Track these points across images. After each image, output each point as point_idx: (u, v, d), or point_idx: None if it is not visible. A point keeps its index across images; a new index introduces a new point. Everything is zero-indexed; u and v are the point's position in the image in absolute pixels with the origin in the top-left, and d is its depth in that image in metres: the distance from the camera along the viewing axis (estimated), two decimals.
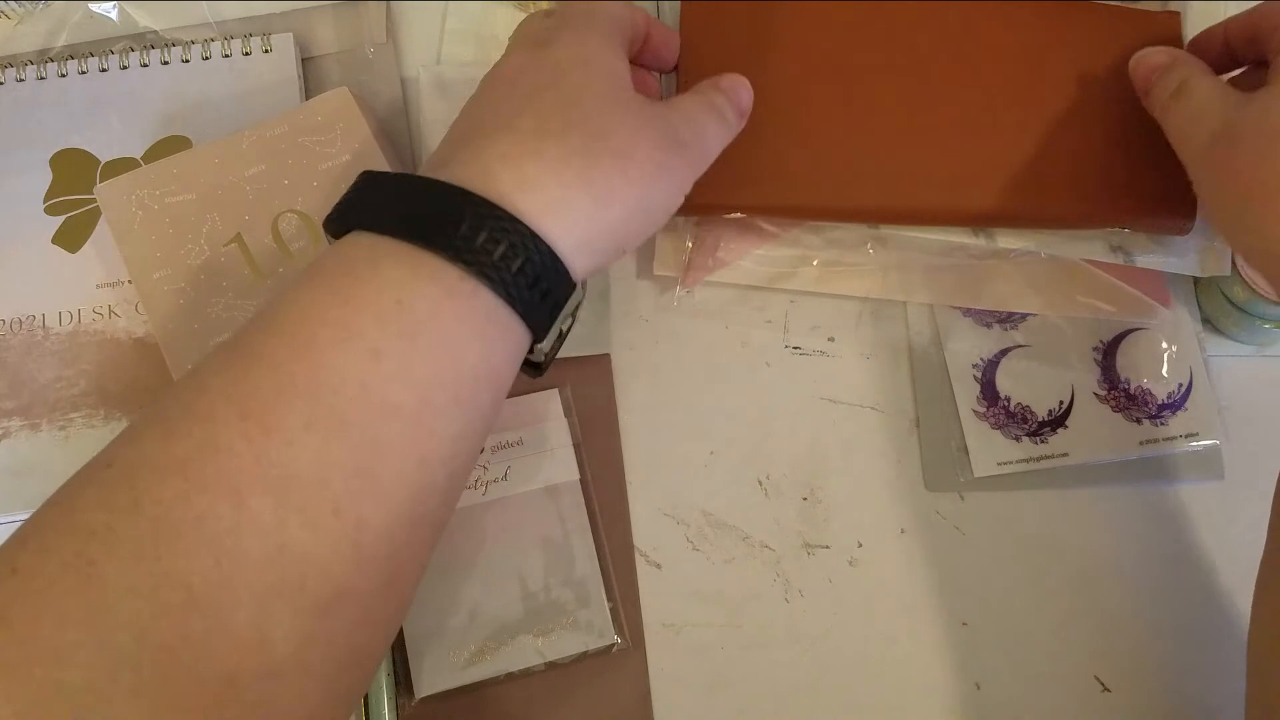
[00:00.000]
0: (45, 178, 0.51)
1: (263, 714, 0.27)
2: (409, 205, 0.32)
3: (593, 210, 0.33)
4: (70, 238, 0.50)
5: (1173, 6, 0.49)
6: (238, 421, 0.28)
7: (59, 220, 0.50)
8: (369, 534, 0.29)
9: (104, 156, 0.51)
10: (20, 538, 0.28)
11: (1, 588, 0.26)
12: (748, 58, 0.45)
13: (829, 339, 0.49)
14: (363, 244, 0.32)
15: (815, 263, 0.48)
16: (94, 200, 0.50)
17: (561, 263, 0.33)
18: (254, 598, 0.27)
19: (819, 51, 0.46)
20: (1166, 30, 0.45)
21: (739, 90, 0.41)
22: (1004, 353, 0.48)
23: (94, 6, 0.54)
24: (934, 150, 0.44)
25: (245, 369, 0.29)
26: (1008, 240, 0.45)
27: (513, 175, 0.32)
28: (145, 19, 0.54)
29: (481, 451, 0.37)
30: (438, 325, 0.30)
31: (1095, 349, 0.48)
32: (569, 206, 0.33)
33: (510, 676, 0.44)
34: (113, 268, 0.49)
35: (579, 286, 0.34)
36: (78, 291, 0.49)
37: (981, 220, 0.45)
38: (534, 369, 0.37)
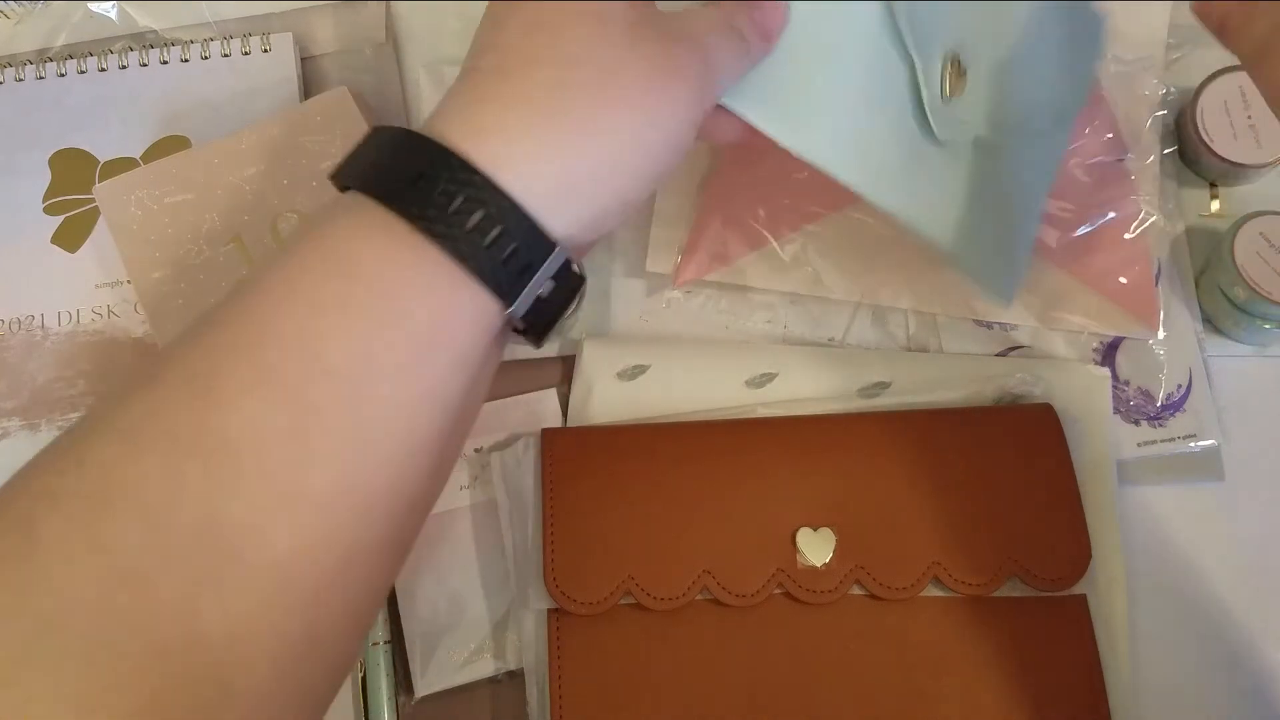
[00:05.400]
0: (44, 177, 0.51)
1: (193, 683, 0.26)
2: (380, 157, 0.31)
3: (566, 151, 0.30)
4: (69, 238, 0.50)
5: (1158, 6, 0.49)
6: (183, 385, 0.27)
7: (58, 220, 0.50)
8: (307, 504, 0.27)
9: (103, 156, 0.51)
10: None
11: None
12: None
13: (829, 339, 0.49)
14: (341, 200, 0.31)
15: (810, 268, 0.48)
16: (93, 200, 0.50)
17: (528, 217, 0.30)
18: (184, 567, 0.25)
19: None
20: (1042, 423, 0.44)
21: (767, 11, 0.35)
22: (1004, 353, 0.48)
23: (93, 6, 0.54)
24: None
25: (200, 331, 0.28)
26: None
27: (468, 123, 0.30)
28: (145, 19, 0.54)
29: (466, 435, 0.35)
30: (381, 280, 0.29)
31: (1095, 350, 0.47)
32: (534, 151, 0.30)
33: (510, 675, 0.44)
34: (112, 268, 0.49)
35: (557, 247, 0.31)
36: (77, 291, 0.49)
37: None
38: (532, 336, 0.33)
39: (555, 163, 0.30)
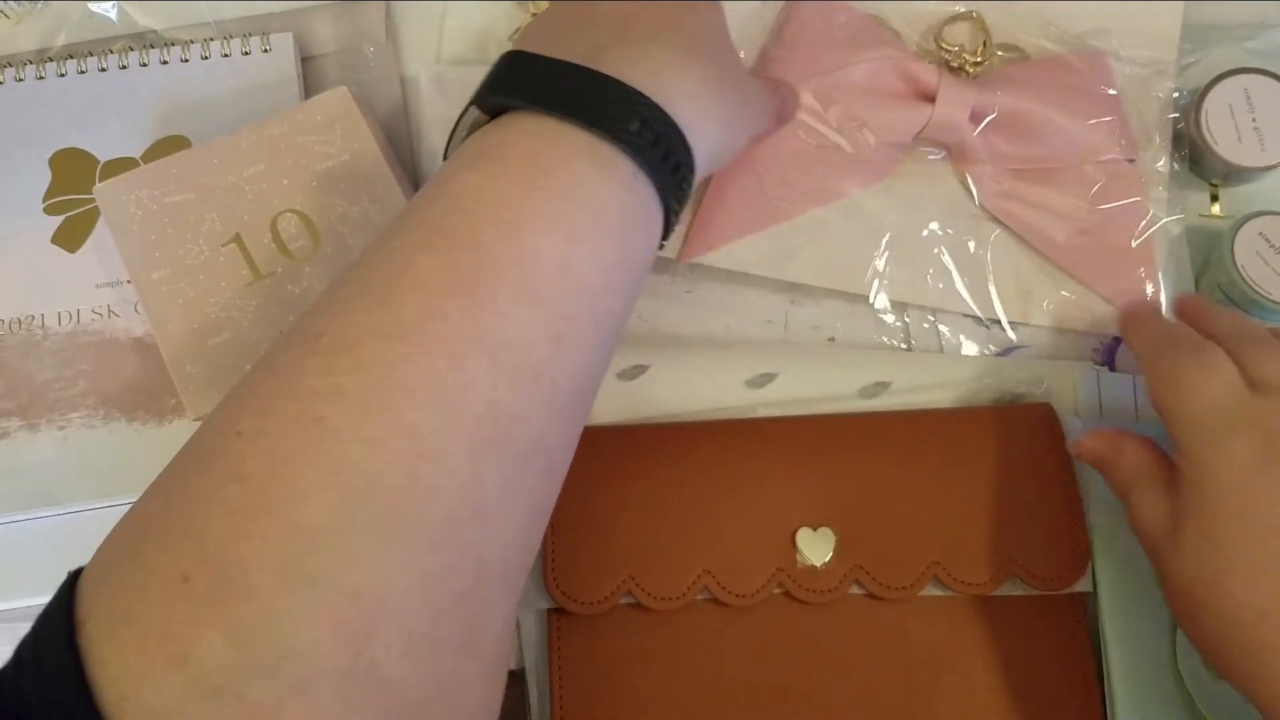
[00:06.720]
0: (44, 177, 0.51)
1: (473, 555, 0.29)
2: (585, 96, 0.34)
3: (721, 131, 0.38)
4: (69, 237, 0.50)
5: (1172, 7, 0.49)
6: (452, 295, 0.30)
7: (58, 220, 0.50)
8: (560, 394, 0.32)
9: (103, 156, 0.51)
10: (235, 403, 0.30)
11: (230, 449, 0.28)
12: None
13: (829, 339, 0.49)
14: (539, 130, 0.34)
15: (810, 251, 0.48)
16: (93, 200, 0.49)
17: (694, 173, 0.36)
18: (471, 446, 0.29)
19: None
20: (1041, 422, 0.44)
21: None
22: (1004, 353, 0.48)
23: (93, 6, 0.54)
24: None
25: (452, 249, 0.31)
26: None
27: (673, 85, 0.35)
28: (144, 18, 0.54)
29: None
30: (620, 215, 0.34)
31: (1095, 349, 0.47)
32: (709, 123, 0.36)
33: (510, 674, 0.43)
34: (112, 268, 0.49)
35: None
36: (77, 291, 0.49)
37: None
38: None
39: (713, 139, 0.37)
